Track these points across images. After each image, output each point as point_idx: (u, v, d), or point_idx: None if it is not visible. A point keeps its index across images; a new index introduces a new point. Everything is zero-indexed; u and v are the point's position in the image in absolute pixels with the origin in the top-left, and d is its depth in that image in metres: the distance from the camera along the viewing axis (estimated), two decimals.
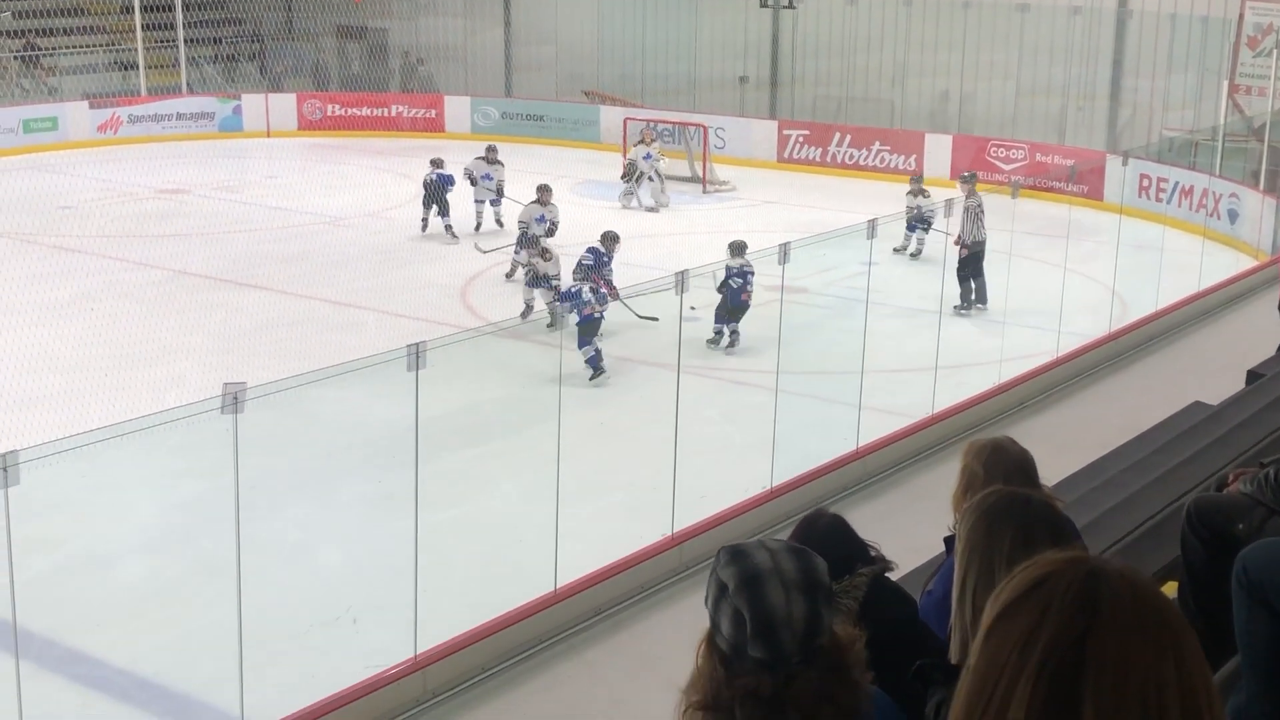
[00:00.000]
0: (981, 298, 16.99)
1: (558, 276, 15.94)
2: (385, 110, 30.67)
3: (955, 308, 16.63)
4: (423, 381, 8.29)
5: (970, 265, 16.93)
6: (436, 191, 20.45)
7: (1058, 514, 2.78)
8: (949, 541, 4.01)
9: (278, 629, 8.78)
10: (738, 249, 15.32)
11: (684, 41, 30.26)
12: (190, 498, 10.58)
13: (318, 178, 25.55)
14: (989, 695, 1.48)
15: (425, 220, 20.65)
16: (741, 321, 15.23)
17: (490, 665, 8.35)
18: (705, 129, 25.62)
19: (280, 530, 10.37)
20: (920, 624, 3.67)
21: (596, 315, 14.38)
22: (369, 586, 9.41)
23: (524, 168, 23.24)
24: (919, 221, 18.95)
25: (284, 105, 30.41)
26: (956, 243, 16.74)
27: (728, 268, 15.09)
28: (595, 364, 13.97)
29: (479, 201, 21.29)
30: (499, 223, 21.23)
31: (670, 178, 24.57)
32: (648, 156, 23.79)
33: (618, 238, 16.29)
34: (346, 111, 30.63)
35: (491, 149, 21.72)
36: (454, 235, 20.36)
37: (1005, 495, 2.74)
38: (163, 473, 10.96)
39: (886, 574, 3.68)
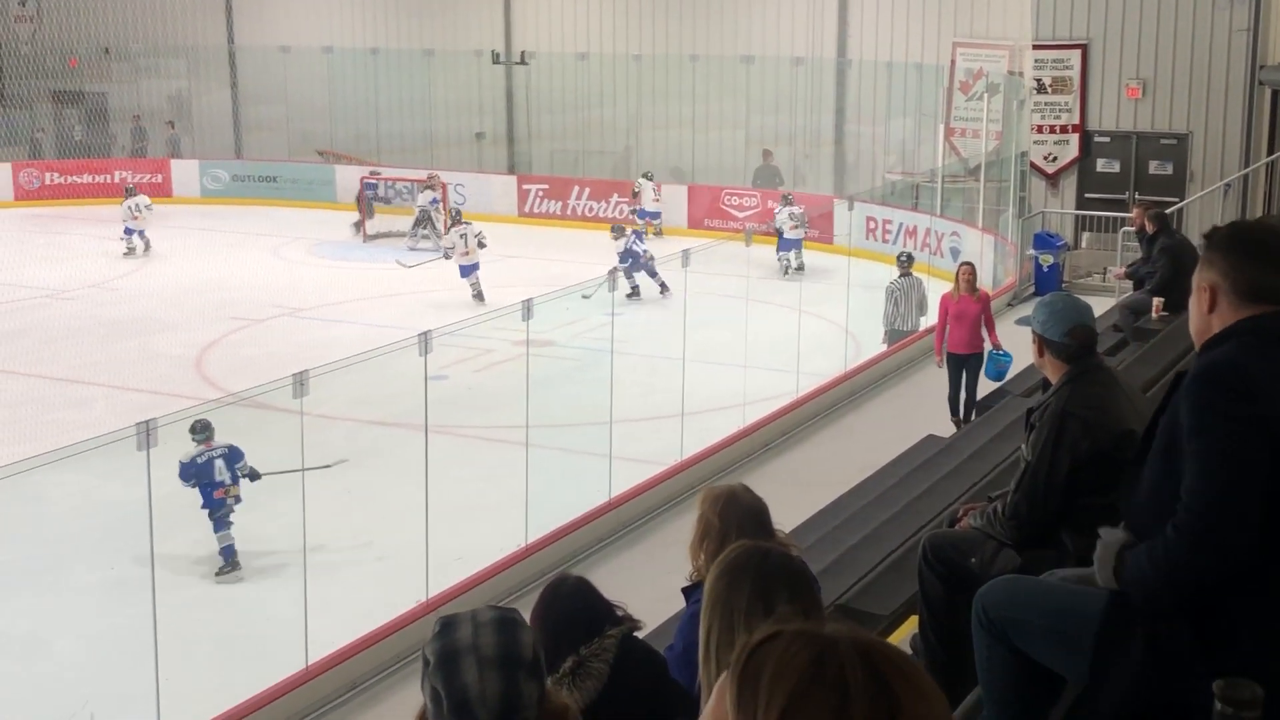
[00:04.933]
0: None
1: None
2: (108, 176, 29.40)
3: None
4: (158, 457, 7.96)
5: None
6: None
7: (794, 565, 2.81)
8: (687, 592, 4.03)
9: None
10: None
11: (418, 99, 30.08)
12: None
13: (36, 249, 24.32)
14: None
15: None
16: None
17: None
18: (445, 186, 25.52)
19: (8, 623, 9.84)
20: (671, 681, 3.66)
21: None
22: (108, 677, 8.95)
23: (257, 230, 22.69)
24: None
25: None
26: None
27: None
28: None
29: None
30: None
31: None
32: (434, 201, 23.48)
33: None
34: (66, 179, 29.30)
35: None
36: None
37: (743, 550, 2.76)
38: None
39: (634, 633, 3.67)
